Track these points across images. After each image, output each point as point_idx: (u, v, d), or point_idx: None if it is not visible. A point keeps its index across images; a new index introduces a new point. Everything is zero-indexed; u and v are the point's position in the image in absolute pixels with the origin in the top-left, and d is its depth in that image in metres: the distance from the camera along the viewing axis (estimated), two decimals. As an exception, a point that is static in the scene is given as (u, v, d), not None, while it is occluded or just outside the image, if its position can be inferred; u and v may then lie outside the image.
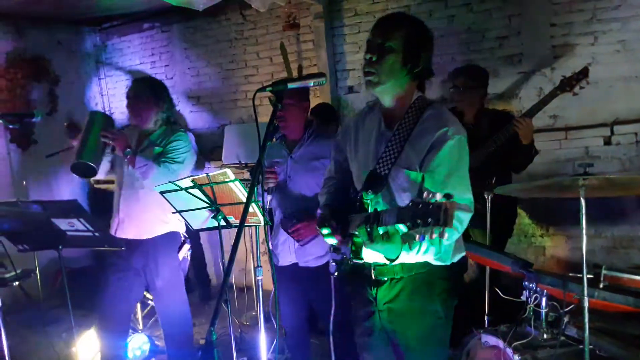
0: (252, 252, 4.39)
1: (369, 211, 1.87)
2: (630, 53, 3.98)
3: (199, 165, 5.14)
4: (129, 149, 3.14)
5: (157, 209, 3.16)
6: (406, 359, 2.11)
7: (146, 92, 3.26)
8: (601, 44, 4.06)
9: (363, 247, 1.90)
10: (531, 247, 4.43)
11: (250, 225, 3.04)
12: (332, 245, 2.08)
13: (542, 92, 4.20)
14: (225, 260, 3.17)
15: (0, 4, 5.23)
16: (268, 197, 3.03)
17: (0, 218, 2.92)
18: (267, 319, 2.86)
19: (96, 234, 2.88)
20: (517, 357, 2.39)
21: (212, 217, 2.78)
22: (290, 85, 1.85)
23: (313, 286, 2.89)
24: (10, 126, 3.11)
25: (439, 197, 1.42)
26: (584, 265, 2.20)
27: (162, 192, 2.78)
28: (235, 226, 2.75)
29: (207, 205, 2.74)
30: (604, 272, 2.38)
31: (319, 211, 2.16)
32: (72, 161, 3.18)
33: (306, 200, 2.85)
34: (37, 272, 4.52)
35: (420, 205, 1.46)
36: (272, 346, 3.32)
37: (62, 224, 2.86)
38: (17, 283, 3.42)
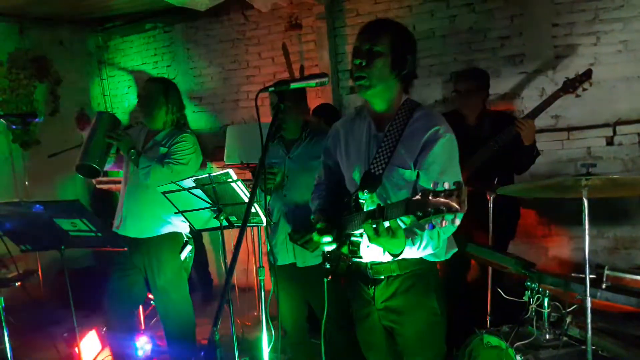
0: (254, 253, 4.40)
1: (364, 210, 1.91)
2: (633, 53, 3.98)
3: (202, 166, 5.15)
4: (133, 150, 3.16)
5: (160, 208, 3.16)
6: (405, 356, 2.15)
7: (159, 92, 3.28)
8: (603, 44, 4.06)
9: (361, 245, 1.97)
10: (533, 248, 4.43)
11: (252, 226, 3.05)
12: (327, 251, 2.11)
13: (544, 92, 4.20)
14: (228, 261, 3.17)
15: (3, 4, 5.24)
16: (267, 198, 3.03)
17: (2, 218, 2.92)
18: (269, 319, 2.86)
19: (98, 234, 2.88)
20: (519, 358, 2.39)
21: (214, 218, 2.78)
22: (293, 85, 1.86)
23: (311, 285, 2.89)
24: (13, 127, 3.12)
25: (447, 185, 1.47)
26: (587, 265, 2.20)
27: (164, 192, 2.78)
28: (238, 226, 2.76)
29: (210, 205, 2.75)
30: (606, 272, 2.37)
31: (312, 216, 2.22)
32: (77, 162, 3.23)
33: (304, 200, 2.85)
34: (40, 272, 4.54)
35: (431, 195, 1.50)
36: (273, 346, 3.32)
37: (65, 224, 2.87)
38: (19, 283, 3.42)
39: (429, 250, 1.95)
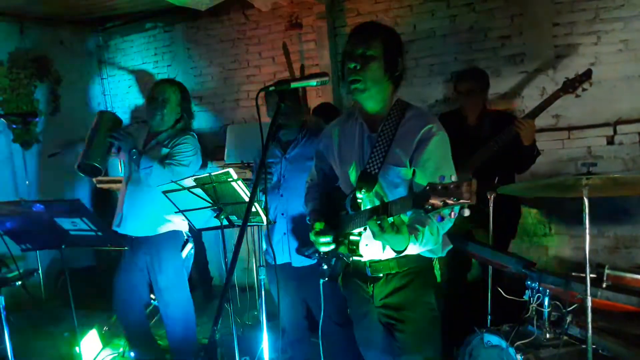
0: (254, 252, 4.40)
1: (362, 209, 1.96)
2: (633, 52, 3.98)
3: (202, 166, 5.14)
4: (134, 150, 3.16)
5: (160, 207, 3.17)
6: (405, 353, 2.16)
7: (176, 100, 3.29)
8: (604, 43, 4.06)
9: (360, 244, 2.01)
10: (534, 247, 4.43)
11: (253, 225, 3.05)
12: (324, 252, 2.14)
13: (544, 91, 4.20)
14: (228, 260, 3.18)
15: (4, 4, 5.24)
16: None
17: (3, 217, 2.93)
18: (270, 318, 2.86)
19: (99, 233, 2.88)
20: (519, 357, 2.39)
21: (214, 217, 2.79)
22: (294, 85, 1.87)
23: (308, 284, 2.89)
24: (14, 126, 3.13)
25: (454, 178, 1.51)
26: (587, 264, 2.20)
27: (165, 192, 2.79)
28: (238, 226, 2.76)
29: (210, 204, 2.75)
30: (607, 271, 2.38)
31: (308, 218, 2.25)
32: (78, 161, 3.24)
33: (300, 200, 2.85)
34: (40, 271, 4.54)
35: (440, 187, 1.53)
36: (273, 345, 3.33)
37: (65, 223, 2.87)
38: (20, 283, 3.42)
39: (430, 246, 1.98)
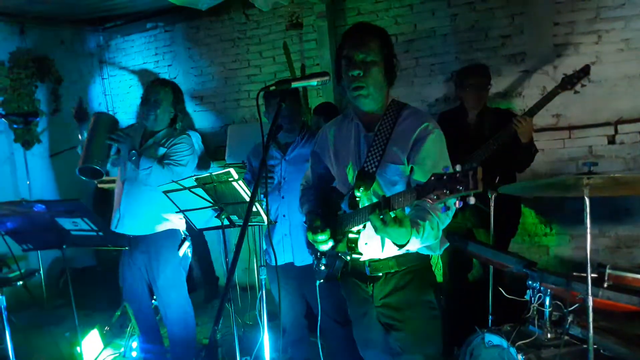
0: (255, 252, 4.40)
1: (360, 207, 1.97)
2: (634, 52, 3.98)
3: (204, 165, 5.14)
4: (134, 151, 3.17)
5: (158, 206, 3.19)
6: (405, 353, 2.16)
7: (168, 99, 3.30)
8: (605, 42, 4.05)
9: (359, 242, 2.02)
10: (535, 247, 4.42)
11: (254, 225, 3.05)
12: (320, 252, 2.15)
13: (545, 90, 4.19)
14: (229, 260, 3.18)
15: (4, 4, 5.24)
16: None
17: (4, 217, 2.93)
18: (270, 318, 2.86)
19: (100, 233, 2.89)
20: (520, 357, 2.39)
21: (215, 217, 2.79)
22: (294, 85, 1.87)
23: (309, 281, 2.89)
24: (15, 126, 3.13)
25: (458, 167, 1.51)
26: (588, 264, 2.20)
27: (165, 192, 2.79)
28: (239, 225, 2.76)
29: (211, 204, 2.75)
30: (608, 271, 2.37)
31: (305, 219, 2.26)
32: (79, 165, 3.25)
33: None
34: (42, 271, 4.55)
35: (445, 177, 1.54)
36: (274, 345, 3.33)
37: (66, 223, 2.87)
38: (21, 282, 3.43)
39: (430, 241, 1.98)
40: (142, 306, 3.47)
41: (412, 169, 2.04)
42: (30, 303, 4.82)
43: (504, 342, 2.50)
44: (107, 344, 4.11)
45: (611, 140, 4.09)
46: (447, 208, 1.57)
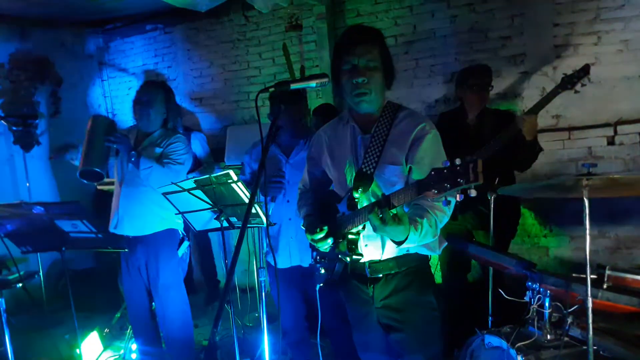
0: (254, 253, 4.39)
1: (359, 208, 1.98)
2: (634, 53, 3.98)
3: (209, 172, 5.11)
4: (133, 152, 3.18)
5: (156, 206, 3.20)
6: (406, 354, 2.17)
7: (160, 100, 3.31)
8: (604, 43, 4.06)
9: (359, 243, 2.03)
10: (534, 248, 4.42)
11: (253, 227, 3.05)
12: (319, 253, 2.16)
13: (544, 91, 4.19)
14: (229, 262, 3.17)
15: (5, 6, 5.25)
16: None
17: (3, 220, 2.93)
18: (270, 320, 2.86)
19: (99, 235, 2.89)
20: (520, 358, 2.38)
21: (214, 219, 2.79)
22: (294, 86, 1.87)
23: (308, 283, 2.89)
24: (15, 128, 3.14)
25: (458, 161, 1.51)
26: (588, 265, 2.20)
27: (165, 194, 2.79)
28: (238, 227, 2.76)
29: (210, 206, 2.75)
30: (607, 272, 2.37)
31: (302, 223, 2.26)
32: (80, 168, 3.26)
33: None
34: (41, 273, 4.54)
35: (445, 171, 1.54)
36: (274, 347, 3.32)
37: (65, 225, 2.87)
38: (20, 285, 3.43)
39: (428, 239, 1.99)
40: (141, 311, 3.46)
41: (410, 169, 2.05)
42: (29, 305, 4.81)
43: (503, 344, 2.50)
44: (106, 346, 4.12)
45: (610, 141, 4.09)
46: (447, 202, 1.58)
